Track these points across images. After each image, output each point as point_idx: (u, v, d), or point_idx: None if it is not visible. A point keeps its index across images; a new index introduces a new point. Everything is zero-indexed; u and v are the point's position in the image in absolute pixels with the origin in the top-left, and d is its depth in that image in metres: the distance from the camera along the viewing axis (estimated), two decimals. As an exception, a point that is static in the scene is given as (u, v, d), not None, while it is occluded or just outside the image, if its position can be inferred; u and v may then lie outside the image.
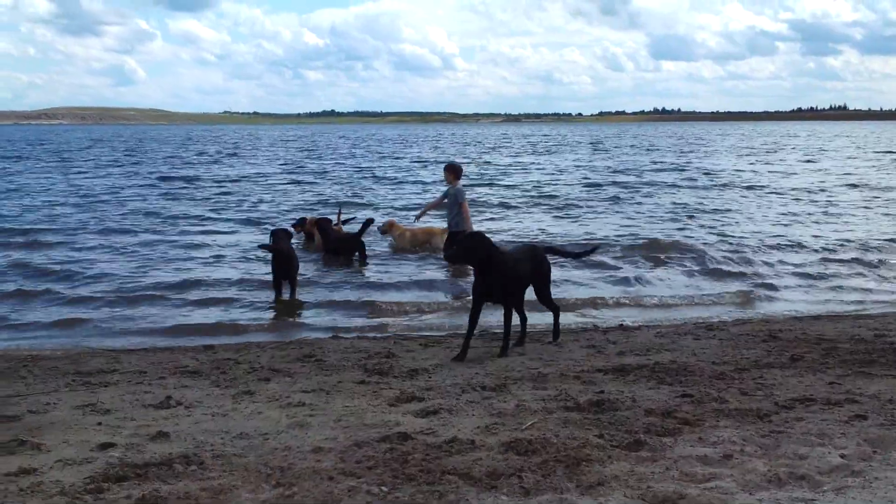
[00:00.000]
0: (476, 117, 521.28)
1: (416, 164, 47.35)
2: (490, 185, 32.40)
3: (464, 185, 15.84)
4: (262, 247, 13.73)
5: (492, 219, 21.94)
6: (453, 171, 15.20)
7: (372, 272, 14.41)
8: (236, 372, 7.78)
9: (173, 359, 8.54)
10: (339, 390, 7.04)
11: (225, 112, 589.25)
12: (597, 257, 14.59)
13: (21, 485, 4.76)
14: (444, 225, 16.02)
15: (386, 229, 16.89)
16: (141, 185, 32.67)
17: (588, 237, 17.97)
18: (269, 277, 12.47)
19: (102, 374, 7.81)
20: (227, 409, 6.46)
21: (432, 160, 51.24)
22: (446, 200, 15.18)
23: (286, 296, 12.18)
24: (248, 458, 5.20)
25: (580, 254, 10.65)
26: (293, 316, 11.55)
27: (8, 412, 6.38)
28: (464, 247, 8.36)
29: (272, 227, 15.01)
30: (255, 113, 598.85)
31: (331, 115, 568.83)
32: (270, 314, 11.59)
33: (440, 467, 4.98)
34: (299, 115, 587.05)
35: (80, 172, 40.85)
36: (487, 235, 8.57)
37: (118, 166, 46.19)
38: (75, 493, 4.61)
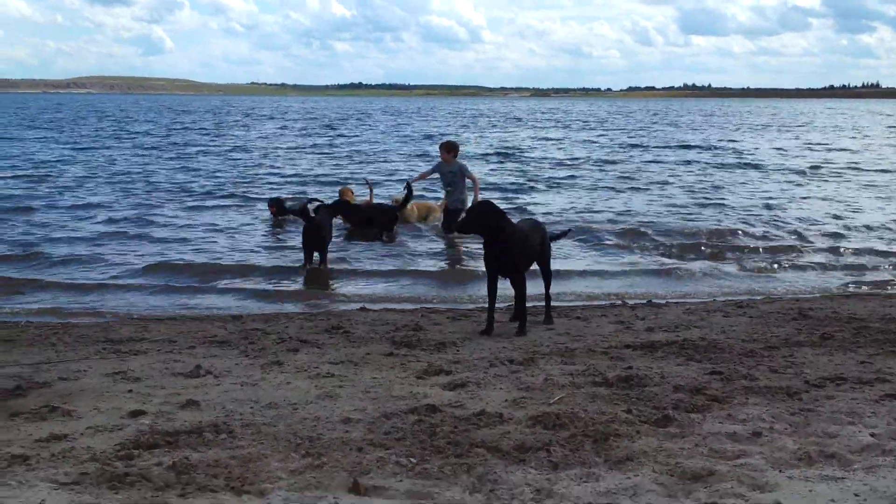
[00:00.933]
0: (504, 91, 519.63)
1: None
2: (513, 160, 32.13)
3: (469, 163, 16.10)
4: (290, 211, 13.86)
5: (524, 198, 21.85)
6: (451, 148, 15.25)
7: (397, 246, 14.42)
8: (265, 342, 7.82)
9: (202, 328, 8.59)
10: (367, 362, 7.06)
11: (252, 83, 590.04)
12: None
13: (53, 450, 4.79)
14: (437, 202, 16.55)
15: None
16: (172, 159, 32.89)
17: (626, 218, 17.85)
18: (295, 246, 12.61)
19: (132, 342, 7.86)
20: (256, 378, 6.49)
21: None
22: (437, 176, 15.56)
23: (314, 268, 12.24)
24: (277, 428, 5.23)
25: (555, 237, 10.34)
26: (321, 287, 11.60)
27: (39, 379, 6.43)
28: (476, 213, 8.23)
29: (306, 198, 15.16)
30: (282, 84, 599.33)
31: (359, 87, 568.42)
32: (297, 285, 11.65)
33: (468, 440, 4.99)
34: (327, 86, 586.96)
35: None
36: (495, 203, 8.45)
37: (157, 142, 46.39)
38: (106, 459, 4.64)
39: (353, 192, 16.94)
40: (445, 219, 15.32)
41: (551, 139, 48.53)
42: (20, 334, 8.25)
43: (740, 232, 16.01)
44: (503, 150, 37.28)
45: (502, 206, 9.67)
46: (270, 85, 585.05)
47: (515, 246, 8.23)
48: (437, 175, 15.70)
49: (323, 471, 4.52)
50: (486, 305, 8.54)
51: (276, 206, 16.36)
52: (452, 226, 8.95)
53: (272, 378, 6.50)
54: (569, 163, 32.07)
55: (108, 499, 4.16)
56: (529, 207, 19.37)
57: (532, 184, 24.53)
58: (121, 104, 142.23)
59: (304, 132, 53.93)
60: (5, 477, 4.39)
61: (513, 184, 24.40)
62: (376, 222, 15.05)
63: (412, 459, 4.68)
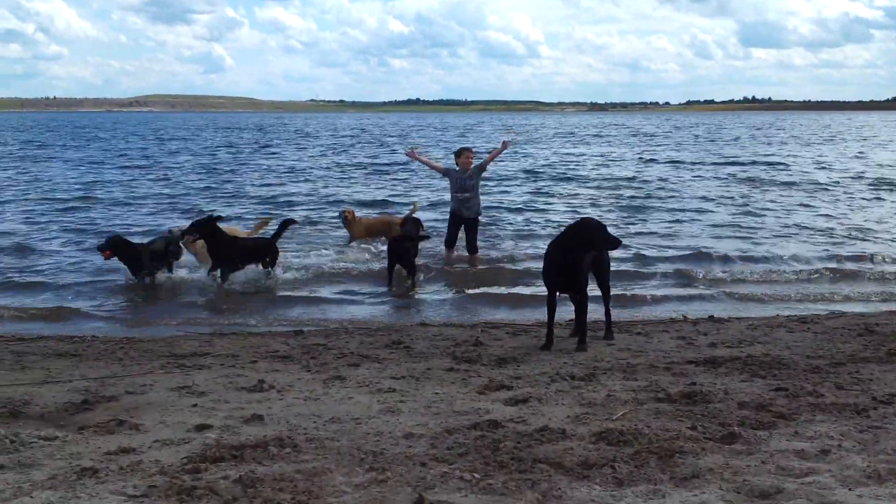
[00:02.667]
0: (561, 106, 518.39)
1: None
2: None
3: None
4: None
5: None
6: (470, 153, 14.28)
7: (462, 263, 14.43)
8: (326, 357, 7.87)
9: (264, 343, 8.68)
10: (429, 377, 7.08)
11: (311, 100, 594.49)
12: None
13: (121, 463, 4.86)
14: (399, 216, 16.13)
15: (348, 218, 16.20)
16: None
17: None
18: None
19: (196, 356, 7.96)
20: (318, 393, 6.53)
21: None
22: (444, 177, 14.59)
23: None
24: (340, 442, 5.25)
25: None
26: (380, 303, 11.66)
27: (106, 393, 6.53)
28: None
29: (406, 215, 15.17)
30: (341, 101, 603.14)
31: (416, 103, 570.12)
32: (359, 301, 11.75)
33: (531, 456, 4.97)
34: (385, 102, 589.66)
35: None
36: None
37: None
38: (174, 472, 4.70)
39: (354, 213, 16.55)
40: (454, 228, 14.17)
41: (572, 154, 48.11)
42: (87, 349, 8.39)
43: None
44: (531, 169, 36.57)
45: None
46: (329, 102, 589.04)
47: (583, 262, 8.20)
48: (434, 175, 15.42)
49: (387, 485, 4.53)
50: (546, 321, 8.51)
51: (113, 247, 12.46)
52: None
53: (334, 393, 6.54)
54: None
55: (177, 512, 4.21)
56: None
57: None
58: (181, 121, 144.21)
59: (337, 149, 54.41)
60: (76, 489, 4.46)
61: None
62: (252, 257, 12.91)
63: (476, 475, 4.67)
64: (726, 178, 31.15)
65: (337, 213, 17.15)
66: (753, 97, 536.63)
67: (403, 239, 12.79)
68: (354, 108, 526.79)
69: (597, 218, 8.47)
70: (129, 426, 5.60)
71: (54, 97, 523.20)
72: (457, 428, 5.53)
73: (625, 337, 8.84)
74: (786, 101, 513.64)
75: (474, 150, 14.78)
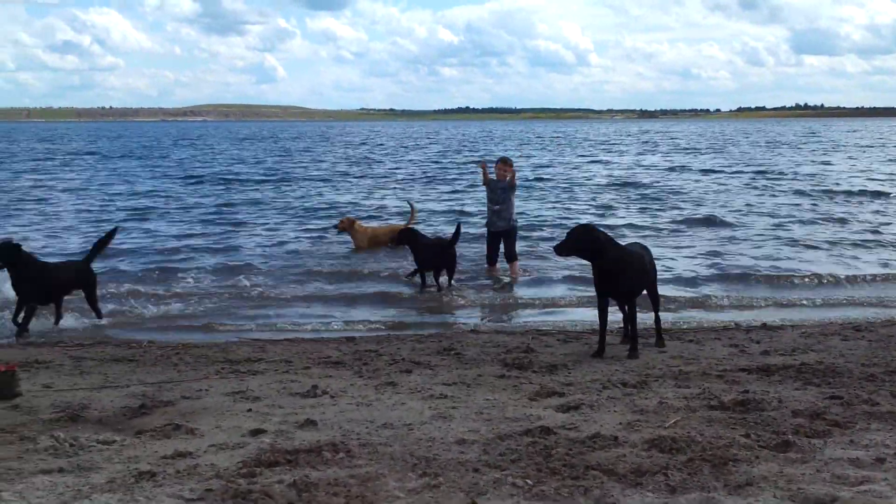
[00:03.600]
0: (610, 113, 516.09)
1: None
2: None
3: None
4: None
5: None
6: (508, 162, 13.89)
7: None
8: (378, 363, 7.92)
9: (316, 349, 8.74)
10: (480, 383, 7.10)
11: (362, 109, 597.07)
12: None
13: (178, 467, 4.93)
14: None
15: (345, 227, 16.19)
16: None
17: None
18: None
19: (250, 362, 8.05)
20: (370, 399, 6.58)
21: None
22: (489, 189, 13.82)
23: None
24: (393, 448, 5.29)
25: None
26: (431, 310, 11.70)
27: (162, 397, 6.63)
28: (574, 237, 8.22)
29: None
30: (391, 110, 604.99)
31: (466, 111, 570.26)
32: (408, 307, 11.83)
33: (584, 462, 4.97)
34: (435, 111, 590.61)
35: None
36: (598, 228, 8.42)
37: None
38: (229, 476, 4.76)
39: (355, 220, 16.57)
40: (493, 244, 13.88)
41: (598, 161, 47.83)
42: (143, 354, 8.51)
43: None
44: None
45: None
46: (379, 111, 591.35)
47: (626, 269, 8.19)
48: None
49: (440, 491, 4.55)
50: (597, 328, 8.50)
51: None
52: (555, 248, 8.24)
53: (386, 399, 6.59)
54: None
55: (233, 515, 4.27)
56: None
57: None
58: (233, 131, 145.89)
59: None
60: (133, 493, 4.54)
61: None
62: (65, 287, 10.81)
63: (528, 481, 4.69)
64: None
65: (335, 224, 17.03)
66: (805, 104, 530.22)
67: (443, 246, 12.93)
68: (405, 116, 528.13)
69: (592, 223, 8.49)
70: (186, 430, 5.69)
71: (110, 107, 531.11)
72: (509, 434, 5.55)
73: (676, 344, 8.80)
74: (839, 107, 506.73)
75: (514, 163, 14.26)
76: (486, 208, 14.16)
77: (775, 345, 8.76)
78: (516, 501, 4.42)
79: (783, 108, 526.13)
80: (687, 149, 62.97)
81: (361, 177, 36.35)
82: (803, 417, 5.92)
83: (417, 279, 13.05)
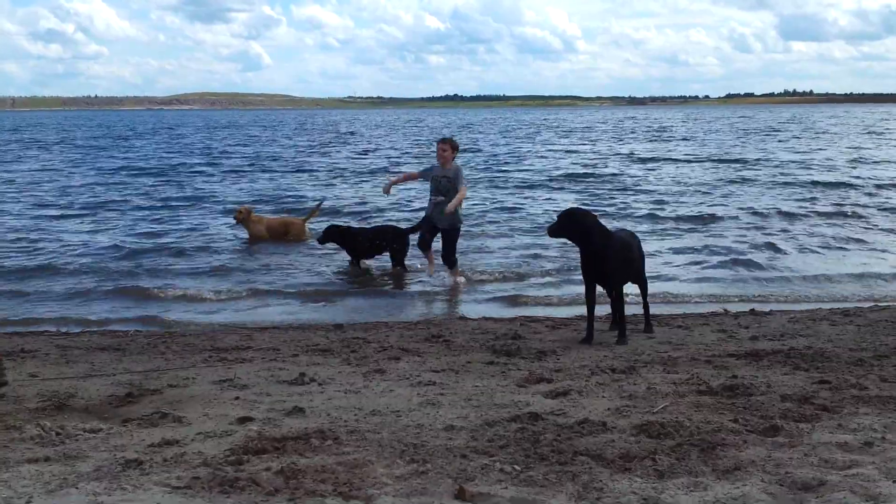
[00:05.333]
0: (599, 100, 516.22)
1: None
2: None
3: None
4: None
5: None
6: (454, 146, 12.06)
7: (496, 254, 14.44)
8: (366, 350, 7.90)
9: (304, 337, 8.72)
10: (468, 370, 7.09)
11: (349, 97, 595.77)
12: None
13: (165, 455, 4.91)
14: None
15: (242, 218, 15.93)
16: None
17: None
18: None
19: (237, 350, 8.03)
20: (358, 386, 6.57)
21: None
22: (425, 180, 12.46)
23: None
24: (381, 435, 5.27)
25: None
26: (419, 297, 11.69)
27: (149, 386, 6.61)
28: (565, 219, 8.24)
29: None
30: (378, 97, 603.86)
31: (453, 99, 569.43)
32: (394, 294, 11.82)
33: (572, 448, 4.97)
34: (422, 98, 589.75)
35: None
36: (589, 213, 8.40)
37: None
38: (217, 464, 4.74)
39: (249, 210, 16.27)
40: (425, 234, 12.47)
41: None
42: (130, 343, 8.48)
43: None
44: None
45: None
46: (366, 98, 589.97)
47: (614, 255, 8.17)
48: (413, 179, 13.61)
49: (428, 477, 4.54)
50: (585, 314, 8.48)
51: None
52: (548, 230, 8.14)
53: (375, 386, 6.57)
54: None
55: (220, 503, 4.25)
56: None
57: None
58: (214, 120, 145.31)
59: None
60: (121, 481, 4.51)
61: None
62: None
63: (516, 467, 4.68)
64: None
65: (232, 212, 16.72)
66: (794, 90, 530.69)
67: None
68: (392, 104, 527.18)
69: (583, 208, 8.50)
70: (173, 419, 5.66)
71: (95, 96, 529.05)
72: (497, 420, 5.54)
73: (665, 330, 8.81)
74: (828, 94, 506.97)
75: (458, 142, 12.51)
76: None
77: (764, 330, 8.77)
78: (504, 487, 4.41)
79: (772, 94, 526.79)
80: (659, 137, 62.73)
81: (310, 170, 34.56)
82: (791, 402, 5.93)
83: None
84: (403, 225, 13.97)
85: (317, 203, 17.56)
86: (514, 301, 11.28)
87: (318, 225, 15.87)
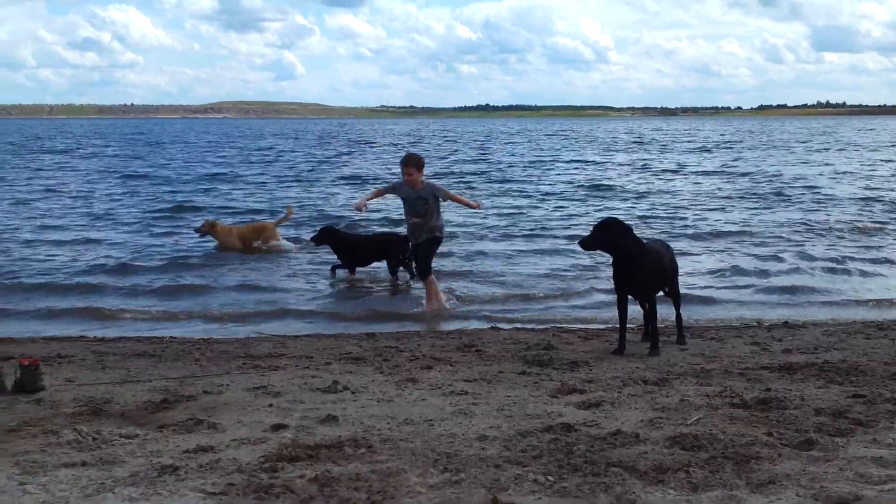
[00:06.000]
0: (631, 111, 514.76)
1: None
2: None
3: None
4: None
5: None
6: (419, 164, 11.17)
7: (526, 266, 14.42)
8: (398, 360, 7.93)
9: (337, 345, 8.76)
10: (500, 380, 7.09)
11: (381, 106, 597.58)
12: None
13: (200, 461, 4.95)
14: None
15: (207, 230, 15.77)
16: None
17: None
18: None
19: (271, 358, 8.07)
20: (391, 395, 6.59)
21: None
22: (398, 196, 11.62)
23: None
24: (414, 444, 5.29)
25: None
26: (449, 307, 11.69)
27: (184, 392, 6.66)
28: (600, 230, 8.20)
29: None
30: (410, 107, 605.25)
31: (485, 108, 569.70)
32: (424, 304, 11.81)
33: (605, 459, 4.96)
34: (454, 108, 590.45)
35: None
36: (623, 223, 8.37)
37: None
38: (251, 470, 4.77)
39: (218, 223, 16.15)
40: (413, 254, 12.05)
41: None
42: (165, 349, 8.55)
43: None
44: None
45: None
46: (399, 108, 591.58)
47: (647, 266, 8.15)
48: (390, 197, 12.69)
49: (461, 486, 4.55)
50: (618, 325, 8.47)
51: None
52: (580, 243, 8.15)
53: (407, 395, 6.59)
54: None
55: (255, 509, 4.29)
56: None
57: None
58: (253, 128, 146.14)
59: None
60: (156, 486, 4.56)
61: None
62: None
63: (549, 477, 4.68)
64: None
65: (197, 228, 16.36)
66: (827, 101, 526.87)
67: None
68: (424, 114, 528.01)
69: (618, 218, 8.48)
70: (208, 425, 5.71)
71: (131, 104, 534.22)
72: (530, 431, 5.55)
73: (698, 342, 8.77)
74: (861, 105, 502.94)
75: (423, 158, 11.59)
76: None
77: (797, 343, 8.71)
78: (538, 498, 4.42)
79: (805, 105, 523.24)
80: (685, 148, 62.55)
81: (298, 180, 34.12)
82: (826, 416, 5.89)
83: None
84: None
85: (288, 207, 17.32)
86: (545, 311, 11.27)
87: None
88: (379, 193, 11.82)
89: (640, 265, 8.10)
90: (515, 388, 6.79)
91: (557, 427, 5.58)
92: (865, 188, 28.66)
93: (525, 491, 4.51)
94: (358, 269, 13.45)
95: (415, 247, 11.51)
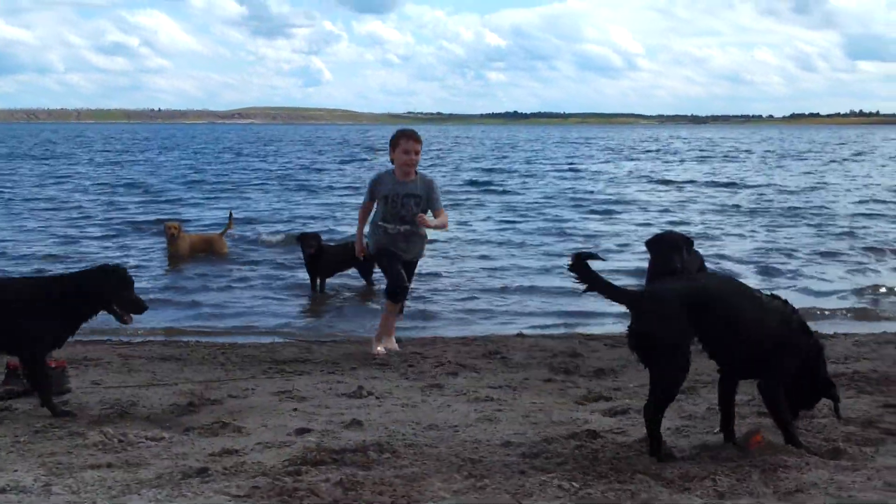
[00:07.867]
0: (661, 119, 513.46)
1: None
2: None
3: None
4: None
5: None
6: (405, 141, 8.45)
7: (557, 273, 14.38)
8: (423, 366, 7.93)
9: (362, 350, 8.75)
10: (526, 387, 7.08)
11: (409, 112, 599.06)
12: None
13: (225, 464, 4.97)
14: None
15: (174, 232, 15.36)
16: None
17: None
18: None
19: (296, 363, 8.09)
20: (416, 400, 6.59)
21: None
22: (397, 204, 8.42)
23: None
24: (439, 449, 5.29)
25: None
26: (475, 313, 11.66)
27: (210, 396, 6.69)
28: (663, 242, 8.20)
29: None
30: (438, 114, 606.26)
31: (514, 116, 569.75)
32: (451, 309, 11.78)
33: (631, 466, 4.93)
34: (482, 115, 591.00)
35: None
36: (677, 232, 8.33)
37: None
38: (276, 474, 4.78)
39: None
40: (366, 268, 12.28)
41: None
42: (190, 353, 8.58)
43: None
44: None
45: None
46: (426, 114, 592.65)
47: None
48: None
49: (486, 492, 4.54)
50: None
51: None
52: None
53: (432, 401, 6.59)
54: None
55: (279, 512, 4.29)
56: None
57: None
58: (278, 134, 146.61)
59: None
60: (181, 488, 4.57)
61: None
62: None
63: (575, 484, 4.65)
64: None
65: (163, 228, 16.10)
66: (861, 110, 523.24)
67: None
68: (452, 120, 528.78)
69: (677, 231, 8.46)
70: (233, 428, 5.74)
71: (159, 109, 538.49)
72: (555, 437, 5.52)
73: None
74: (895, 114, 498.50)
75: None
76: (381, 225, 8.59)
77: (827, 353, 8.58)
78: (562, 504, 4.40)
79: (837, 114, 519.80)
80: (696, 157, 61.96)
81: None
82: (855, 425, 5.83)
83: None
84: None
85: (229, 215, 16.78)
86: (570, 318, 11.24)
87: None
88: (365, 215, 8.89)
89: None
90: (541, 395, 6.78)
91: (583, 434, 5.56)
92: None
93: (549, 497, 4.48)
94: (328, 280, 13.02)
95: (391, 257, 8.59)
